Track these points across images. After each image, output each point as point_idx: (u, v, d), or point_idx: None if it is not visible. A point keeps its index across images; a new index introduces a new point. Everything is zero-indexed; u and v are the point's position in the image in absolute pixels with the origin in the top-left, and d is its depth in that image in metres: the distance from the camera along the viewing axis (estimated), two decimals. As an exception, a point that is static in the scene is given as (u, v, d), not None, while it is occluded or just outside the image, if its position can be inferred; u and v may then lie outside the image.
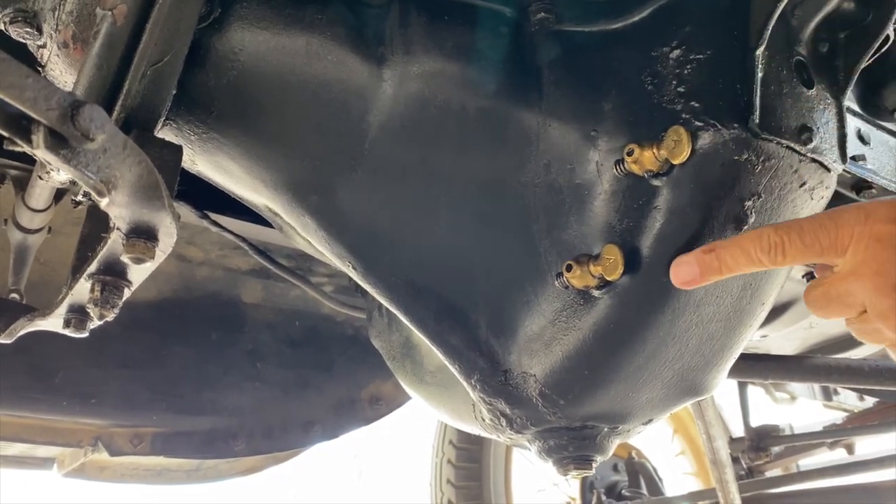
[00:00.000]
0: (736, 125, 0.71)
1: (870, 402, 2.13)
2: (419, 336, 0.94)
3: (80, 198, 0.76)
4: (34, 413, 1.44)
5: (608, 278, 0.75)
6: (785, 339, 1.48)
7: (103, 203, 0.54)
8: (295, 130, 0.81)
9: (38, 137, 0.48)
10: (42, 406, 1.43)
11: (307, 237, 0.91)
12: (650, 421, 0.91)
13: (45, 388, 1.43)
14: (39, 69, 0.79)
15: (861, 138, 1.20)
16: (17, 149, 0.53)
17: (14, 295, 1.15)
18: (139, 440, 1.54)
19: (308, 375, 1.74)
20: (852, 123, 1.17)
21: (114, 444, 1.52)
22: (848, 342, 1.47)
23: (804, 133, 0.75)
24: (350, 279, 1.37)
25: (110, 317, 0.68)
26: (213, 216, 1.19)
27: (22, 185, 1.10)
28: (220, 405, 1.61)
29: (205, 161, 0.85)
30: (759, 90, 0.73)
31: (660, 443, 2.78)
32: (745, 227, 0.75)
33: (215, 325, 1.63)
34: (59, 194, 1.10)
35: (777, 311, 1.33)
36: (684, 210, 0.74)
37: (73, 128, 0.48)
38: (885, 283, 0.63)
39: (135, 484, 1.83)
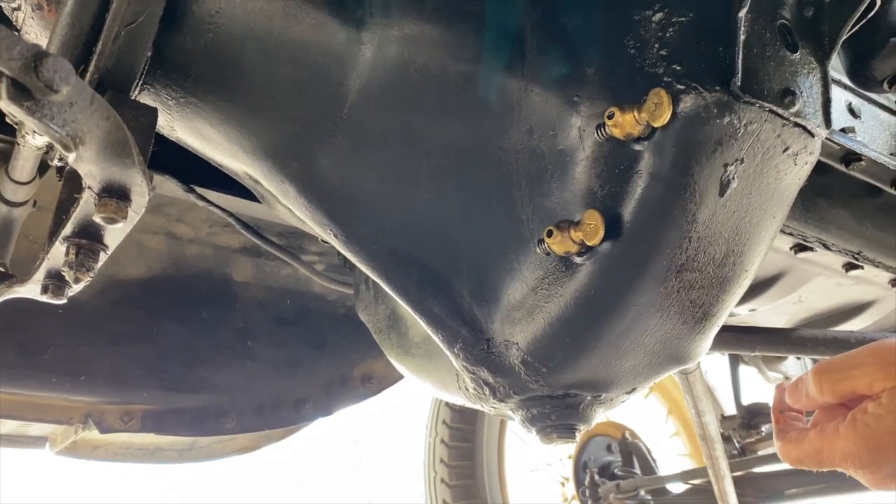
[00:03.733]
0: (718, 88, 0.71)
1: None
2: (404, 308, 0.94)
3: (57, 162, 0.75)
4: (23, 390, 1.44)
5: (589, 244, 0.75)
6: (774, 314, 1.47)
7: (71, 158, 0.54)
8: (273, 95, 0.80)
9: (1, 88, 0.47)
10: (31, 383, 1.43)
11: (288, 205, 0.90)
12: (634, 390, 0.91)
13: (34, 365, 1.43)
14: (16, 33, 0.78)
15: (852, 111, 1.19)
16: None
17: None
18: (130, 417, 1.54)
19: (299, 354, 1.74)
20: (843, 96, 1.17)
21: (104, 422, 1.52)
22: (837, 316, 1.47)
23: (787, 97, 0.74)
24: (340, 256, 1.37)
25: (86, 281, 0.68)
26: (201, 191, 1.19)
27: (5, 158, 1.09)
28: (210, 383, 1.61)
29: (183, 127, 0.84)
30: (741, 53, 0.72)
31: (654, 424, 2.79)
32: (728, 192, 0.75)
33: (206, 303, 1.62)
34: (44, 168, 1.09)
35: (765, 285, 1.32)
36: (666, 174, 0.73)
37: (36, 79, 0.47)
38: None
39: (128, 463, 1.83)
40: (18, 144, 0.83)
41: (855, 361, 0.74)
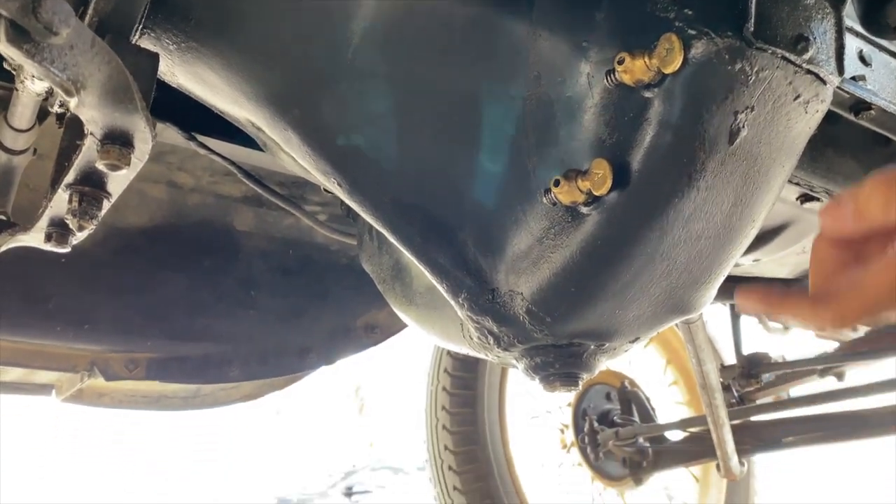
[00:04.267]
0: (730, 33, 0.69)
1: (862, 331, 2.13)
2: (408, 258, 0.93)
3: (57, 108, 0.74)
4: (29, 338, 1.45)
5: (596, 193, 0.74)
6: (778, 264, 1.47)
7: (73, 104, 0.53)
8: (276, 39, 0.78)
9: (0, 30, 0.46)
10: (36, 331, 1.44)
11: (291, 153, 0.89)
12: (637, 339, 0.91)
13: (38, 313, 1.43)
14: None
15: (862, 59, 1.17)
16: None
17: (1, 217, 1.14)
18: (134, 365, 1.55)
19: (303, 303, 1.75)
20: (854, 44, 1.15)
21: (109, 369, 1.54)
22: (841, 267, 1.46)
23: (800, 43, 0.72)
24: (343, 206, 1.36)
25: (90, 228, 0.67)
26: (202, 139, 1.18)
27: (3, 104, 1.08)
28: (214, 332, 1.62)
29: (184, 73, 0.82)
30: (754, -3, 0.70)
31: (653, 373, 2.82)
32: (738, 140, 0.74)
33: (208, 253, 1.62)
34: (44, 115, 1.08)
35: (770, 234, 1.32)
36: (675, 122, 0.72)
37: (35, 20, 0.46)
38: None
39: (133, 410, 1.86)
40: (17, 91, 0.81)
41: None
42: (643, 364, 2.75)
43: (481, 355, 0.97)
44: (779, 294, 0.64)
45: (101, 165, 0.60)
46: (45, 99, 0.82)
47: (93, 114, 0.56)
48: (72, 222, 0.67)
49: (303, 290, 1.77)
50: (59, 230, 0.74)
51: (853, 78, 1.12)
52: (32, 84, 0.72)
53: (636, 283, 0.81)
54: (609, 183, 0.73)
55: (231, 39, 0.78)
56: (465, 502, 2.20)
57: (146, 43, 0.77)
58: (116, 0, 0.66)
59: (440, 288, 0.88)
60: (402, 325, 1.81)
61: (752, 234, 0.86)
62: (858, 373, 2.03)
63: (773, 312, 0.65)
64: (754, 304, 0.65)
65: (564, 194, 0.75)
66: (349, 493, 11.52)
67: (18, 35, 0.47)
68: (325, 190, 1.05)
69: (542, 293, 0.82)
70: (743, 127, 0.74)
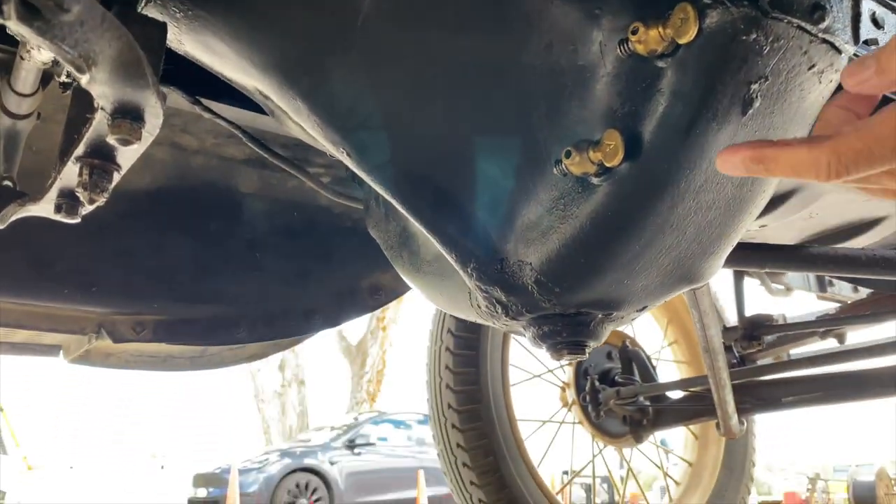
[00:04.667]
0: (745, 3, 0.68)
1: (864, 293, 2.15)
2: (416, 226, 0.93)
3: (64, 78, 0.73)
4: (36, 300, 1.45)
5: (608, 164, 0.74)
6: (784, 229, 1.47)
7: (84, 80, 0.52)
8: (284, 7, 0.77)
9: (10, 8, 0.45)
10: (44, 294, 1.45)
11: (300, 122, 0.88)
12: (645, 308, 0.92)
13: (45, 276, 1.44)
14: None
15: (875, 21, 1.15)
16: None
17: (7, 182, 1.14)
18: (142, 327, 1.56)
19: (308, 265, 1.75)
20: (867, 6, 1.13)
21: (117, 332, 1.54)
22: (846, 232, 1.47)
23: (816, 11, 0.71)
24: (347, 169, 1.36)
25: (100, 201, 0.67)
26: (206, 102, 1.16)
27: (6, 68, 1.06)
28: (220, 294, 1.62)
29: (192, 41, 0.81)
30: (771, -35, 0.69)
31: (653, 331, 2.84)
32: (750, 112, 0.73)
33: (213, 215, 1.62)
34: (47, 79, 1.07)
35: (777, 201, 1.32)
36: (688, 93, 0.71)
37: (45, -3, 0.45)
38: None
39: (140, 370, 1.87)
40: (22, 58, 0.80)
41: None
42: (644, 323, 2.77)
43: (489, 323, 0.98)
44: (770, 143, 0.61)
45: (112, 140, 0.60)
46: (52, 66, 0.81)
47: (104, 89, 0.55)
48: (82, 195, 0.67)
49: (307, 253, 1.77)
50: (68, 201, 0.74)
51: (866, 42, 1.10)
52: (39, 53, 0.71)
53: (645, 254, 0.81)
54: (621, 154, 0.73)
55: (239, 7, 0.77)
56: (468, 459, 2.24)
57: (152, 11, 0.76)
58: (123, -32, 0.64)
59: (449, 257, 0.89)
60: (407, 288, 1.82)
61: (762, 203, 0.86)
62: (859, 334, 2.05)
63: (766, 162, 0.60)
64: (743, 158, 0.61)
65: (576, 165, 0.75)
66: (351, 445, 11.72)
67: (29, 13, 0.46)
68: (331, 154, 1.04)
69: (551, 263, 0.82)
70: (756, 97, 0.73)
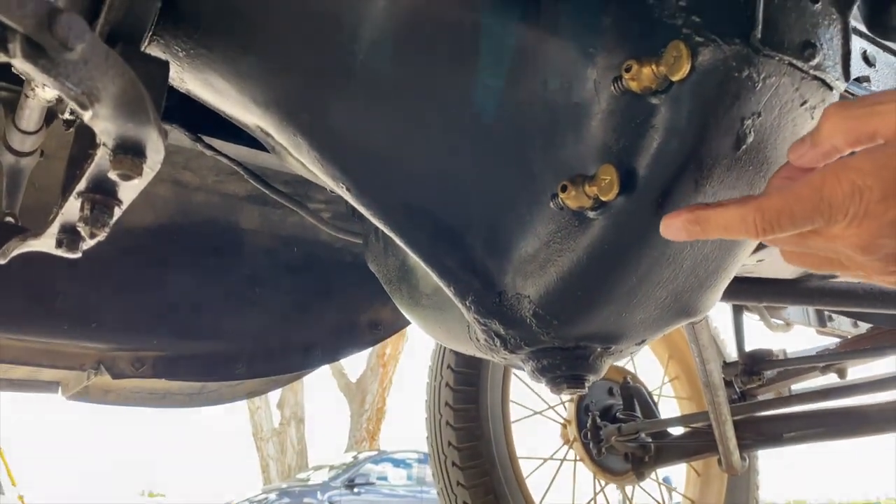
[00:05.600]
0: (737, 40, 0.70)
1: (863, 327, 2.15)
2: (415, 259, 0.94)
3: (67, 115, 0.74)
4: (36, 336, 1.45)
5: (603, 199, 0.75)
6: (781, 264, 1.48)
7: (87, 116, 0.53)
8: (285, 45, 0.79)
9: (15, 46, 0.47)
10: (43, 330, 1.45)
11: (300, 158, 0.89)
12: (643, 341, 0.92)
13: (45, 312, 1.44)
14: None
15: (866, 60, 1.17)
16: (1, 60, 0.52)
17: (9, 219, 1.15)
18: (141, 363, 1.56)
19: (307, 300, 1.76)
20: (858, 44, 1.15)
21: (116, 368, 1.54)
22: (844, 267, 1.47)
23: (807, 49, 0.73)
24: (347, 205, 1.37)
25: (101, 236, 0.68)
26: (207, 139, 1.18)
27: (11, 107, 1.08)
28: (220, 329, 1.62)
29: (194, 78, 0.83)
30: (762, 4, 0.70)
31: (654, 367, 2.83)
32: (744, 147, 0.74)
33: (213, 251, 1.63)
34: (51, 117, 1.08)
35: (774, 236, 1.32)
36: (682, 129, 0.72)
37: (50, 36, 0.47)
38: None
39: (139, 406, 1.86)
40: (27, 96, 0.82)
41: (882, 99, 0.58)
42: (645, 359, 2.76)
43: (488, 357, 0.98)
44: (705, 206, 0.65)
45: (113, 175, 0.60)
46: (56, 104, 0.82)
47: (106, 125, 0.56)
48: (83, 229, 0.67)
49: (307, 287, 1.78)
50: (69, 236, 0.75)
51: (857, 79, 1.12)
52: (43, 91, 0.72)
53: (642, 287, 0.81)
54: (616, 189, 0.73)
55: (240, 45, 0.78)
56: (469, 498, 2.21)
57: (155, 50, 0.77)
58: (127, 9, 0.66)
59: (447, 290, 0.89)
60: (406, 322, 1.82)
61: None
62: (860, 369, 2.04)
63: (701, 223, 0.64)
64: (683, 222, 0.65)
65: (572, 199, 0.76)
66: (351, 484, 11.59)
67: (34, 51, 0.47)
68: (333, 191, 1.05)
69: (549, 296, 0.83)
70: (749, 133, 0.74)
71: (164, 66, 0.66)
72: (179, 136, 1.17)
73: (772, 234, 0.61)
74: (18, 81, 1.01)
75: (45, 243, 0.77)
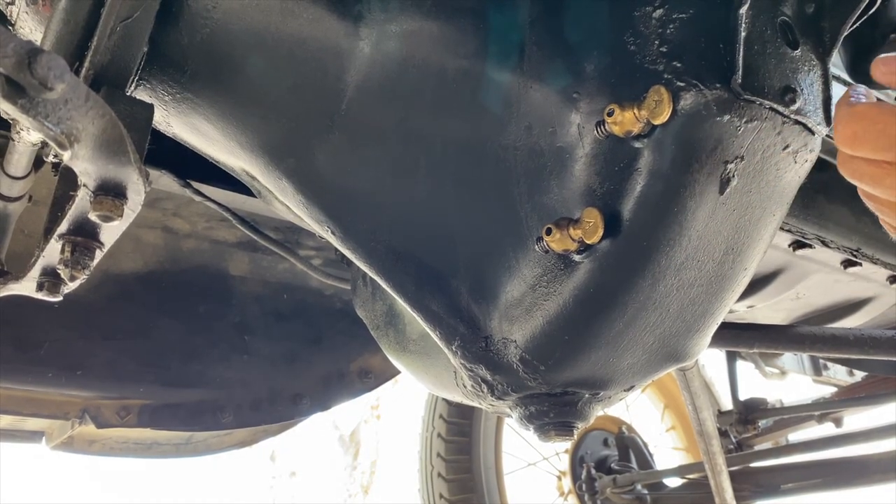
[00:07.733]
0: (718, 85, 0.70)
1: (859, 376, 2.13)
2: (401, 305, 0.93)
3: (52, 158, 0.74)
4: (19, 384, 1.43)
5: (588, 242, 0.74)
6: (772, 310, 1.47)
7: (66, 156, 0.53)
8: (270, 90, 0.79)
9: (-5, 86, 0.47)
10: (27, 378, 1.43)
11: (285, 201, 0.90)
12: (632, 387, 0.90)
13: (30, 359, 1.42)
14: (10, 28, 0.77)
15: (850, 107, 1.19)
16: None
17: (-5, 264, 1.14)
18: (126, 412, 1.53)
19: (296, 348, 1.74)
20: (841, 91, 1.17)
21: (101, 416, 1.52)
22: (835, 313, 1.47)
23: (788, 94, 0.73)
24: (336, 250, 1.37)
25: (82, 278, 0.67)
26: (197, 185, 1.18)
27: (0, 152, 1.09)
28: (207, 377, 1.60)
29: (180, 123, 0.83)
30: (742, 50, 0.71)
31: (650, 418, 2.79)
32: (728, 189, 0.74)
33: (202, 298, 1.62)
34: (39, 163, 1.08)
35: (763, 281, 1.32)
36: (665, 172, 0.72)
37: (30, 76, 0.47)
38: None
39: (124, 458, 1.83)
40: (13, 140, 0.82)
41: None
42: (641, 409, 2.73)
43: (475, 404, 0.96)
44: None
45: (93, 216, 0.60)
46: (41, 148, 0.83)
47: (86, 166, 0.56)
48: (63, 272, 0.67)
49: (297, 335, 1.76)
50: (51, 279, 0.74)
51: (841, 125, 1.13)
52: (28, 134, 0.73)
53: (629, 332, 0.80)
54: (600, 232, 0.73)
55: (226, 90, 0.79)
56: (461, 551, 2.16)
57: (141, 94, 0.78)
58: (113, 53, 0.67)
59: (433, 335, 0.88)
60: (396, 371, 1.80)
61: (744, 281, 0.86)
62: (857, 418, 2.02)
63: None
64: None
65: (556, 242, 0.76)
66: (344, 540, 11.32)
67: (13, 90, 0.47)
68: (320, 236, 1.05)
69: (536, 341, 0.82)
70: (733, 176, 0.74)
71: (149, 108, 0.67)
72: (170, 183, 1.17)
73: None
74: (5, 126, 1.02)
75: (27, 287, 0.76)
